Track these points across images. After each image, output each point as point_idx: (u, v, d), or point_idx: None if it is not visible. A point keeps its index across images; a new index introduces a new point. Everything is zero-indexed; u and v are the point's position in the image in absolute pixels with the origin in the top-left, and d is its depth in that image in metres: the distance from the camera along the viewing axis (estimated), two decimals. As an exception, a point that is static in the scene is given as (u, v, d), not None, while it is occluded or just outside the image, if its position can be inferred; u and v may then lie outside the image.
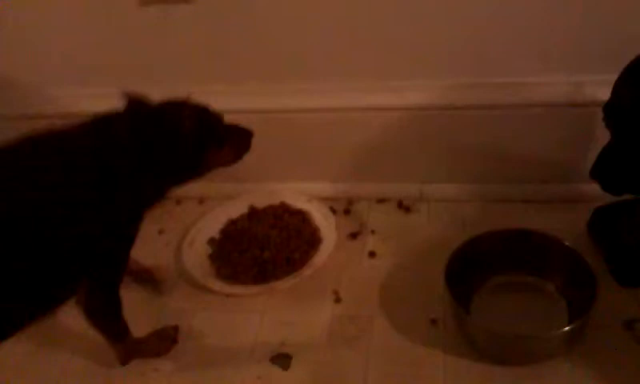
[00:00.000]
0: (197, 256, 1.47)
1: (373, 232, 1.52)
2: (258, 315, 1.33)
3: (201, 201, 1.68)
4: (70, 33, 1.55)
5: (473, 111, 1.45)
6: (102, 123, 1.12)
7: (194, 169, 1.20)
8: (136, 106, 1.14)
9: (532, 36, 1.35)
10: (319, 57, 1.48)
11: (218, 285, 1.39)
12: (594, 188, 1.32)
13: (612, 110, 1.07)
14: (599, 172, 1.12)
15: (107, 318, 1.21)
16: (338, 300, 1.34)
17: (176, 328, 1.31)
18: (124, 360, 1.27)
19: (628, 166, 1.05)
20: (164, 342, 1.30)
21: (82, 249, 1.08)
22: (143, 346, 1.28)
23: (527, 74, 1.39)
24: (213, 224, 1.56)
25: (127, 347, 1.26)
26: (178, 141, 1.13)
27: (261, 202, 1.61)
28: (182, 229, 1.57)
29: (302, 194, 1.61)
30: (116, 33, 1.52)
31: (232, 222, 1.57)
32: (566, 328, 1.09)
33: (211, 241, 1.53)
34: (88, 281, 1.14)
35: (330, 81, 1.50)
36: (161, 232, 1.58)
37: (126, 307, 1.20)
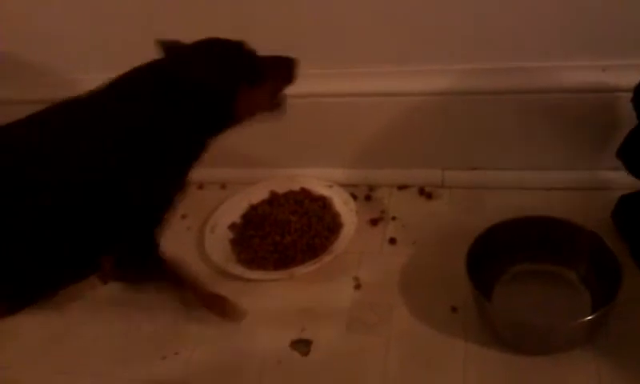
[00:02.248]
0: (218, 241, 1.48)
1: (394, 218, 1.52)
2: (279, 300, 1.34)
3: (223, 186, 1.69)
4: (92, 17, 1.55)
5: (494, 96, 1.43)
6: (125, 83, 1.12)
7: (225, 118, 1.15)
8: (159, 61, 1.12)
9: (557, 20, 1.32)
10: (340, 41, 1.47)
11: (238, 270, 1.40)
12: (618, 175, 1.30)
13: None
14: (626, 153, 1.10)
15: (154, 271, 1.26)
16: (358, 286, 1.35)
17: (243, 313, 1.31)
18: (203, 297, 1.29)
19: None
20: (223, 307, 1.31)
21: (118, 212, 1.10)
22: (198, 295, 1.30)
23: (551, 59, 1.37)
24: (234, 209, 1.57)
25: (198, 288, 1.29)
26: (194, 92, 1.09)
27: (282, 188, 1.61)
28: (204, 214, 1.58)
29: (323, 179, 1.61)
30: (139, 16, 1.51)
31: (253, 208, 1.57)
32: (589, 317, 1.07)
33: (232, 226, 1.54)
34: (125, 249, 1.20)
35: (351, 66, 1.48)
36: (183, 217, 1.59)
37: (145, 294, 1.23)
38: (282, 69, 1.18)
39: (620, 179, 1.36)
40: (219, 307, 1.30)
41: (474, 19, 1.36)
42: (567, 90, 1.39)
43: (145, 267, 1.26)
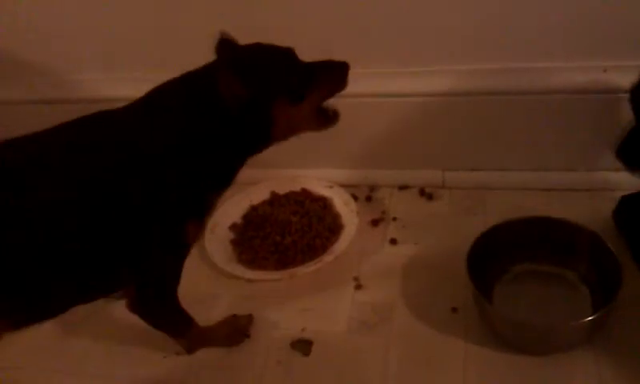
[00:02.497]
0: (219, 241, 1.48)
1: (394, 219, 1.52)
2: (279, 301, 1.34)
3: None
4: (93, 17, 1.55)
5: (495, 97, 1.43)
6: (152, 100, 1.01)
7: (258, 139, 1.02)
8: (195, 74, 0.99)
9: (557, 21, 1.32)
10: (341, 42, 1.46)
11: (239, 270, 1.40)
12: (619, 176, 1.31)
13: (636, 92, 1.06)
14: (625, 152, 1.10)
15: (162, 316, 1.15)
16: (358, 287, 1.35)
17: (250, 319, 1.28)
18: (189, 351, 1.23)
19: None
20: (235, 333, 1.25)
21: (133, 238, 1.00)
22: (211, 336, 1.23)
23: (552, 60, 1.37)
24: (235, 209, 1.57)
25: (192, 338, 1.21)
26: (218, 112, 0.96)
27: (282, 188, 1.61)
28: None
29: (324, 180, 1.61)
30: (140, 16, 1.52)
31: (254, 208, 1.58)
32: (589, 318, 1.07)
33: (233, 226, 1.54)
34: (138, 280, 1.08)
35: (352, 66, 1.48)
36: (184, 217, 1.59)
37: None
38: (332, 77, 1.07)
39: (621, 180, 1.36)
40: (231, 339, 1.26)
41: (475, 20, 1.36)
42: (568, 90, 1.39)
43: (157, 311, 1.15)
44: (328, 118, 1.11)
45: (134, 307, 1.13)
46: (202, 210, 1.07)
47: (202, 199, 1.05)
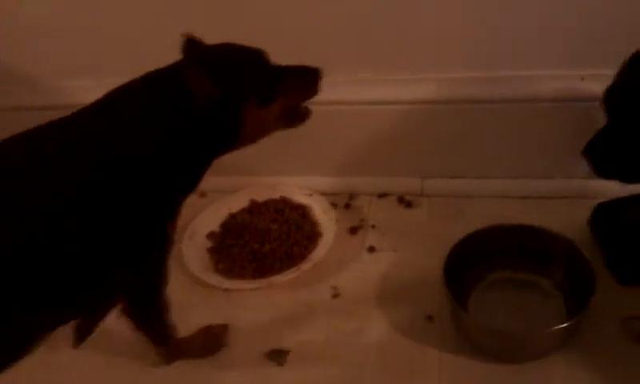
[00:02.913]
0: (196, 249, 1.47)
1: (373, 227, 1.52)
2: (255, 310, 1.33)
3: (202, 194, 1.67)
4: (78, 23, 1.54)
5: (473, 105, 1.44)
6: (115, 98, 0.98)
7: (228, 139, 1.01)
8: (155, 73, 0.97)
9: (536, 31, 1.34)
10: (320, 49, 1.46)
11: (216, 279, 1.39)
12: (595, 184, 1.31)
13: (614, 93, 1.06)
14: (592, 150, 1.11)
15: (149, 323, 1.15)
16: (336, 295, 1.34)
17: (225, 328, 1.27)
18: (168, 361, 1.22)
19: (620, 151, 1.04)
20: (211, 344, 1.24)
21: (110, 252, 0.97)
22: (188, 347, 1.22)
23: (530, 69, 1.38)
24: (213, 217, 1.56)
25: (172, 348, 1.20)
26: (188, 110, 0.95)
27: (261, 196, 1.60)
28: (182, 222, 1.53)
29: (303, 188, 1.60)
30: (126, 22, 1.51)
31: (232, 216, 1.57)
32: (563, 325, 1.08)
33: (211, 234, 1.53)
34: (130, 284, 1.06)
35: (331, 74, 1.47)
36: (161, 225, 1.58)
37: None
38: (303, 82, 1.06)
39: (597, 187, 1.36)
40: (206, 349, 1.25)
41: (454, 29, 1.37)
42: (546, 99, 1.40)
43: (144, 315, 1.14)
44: (298, 116, 1.10)
45: (126, 310, 1.11)
46: (174, 211, 1.05)
47: (174, 199, 1.03)
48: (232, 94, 0.97)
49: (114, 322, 1.18)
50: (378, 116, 1.52)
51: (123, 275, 1.03)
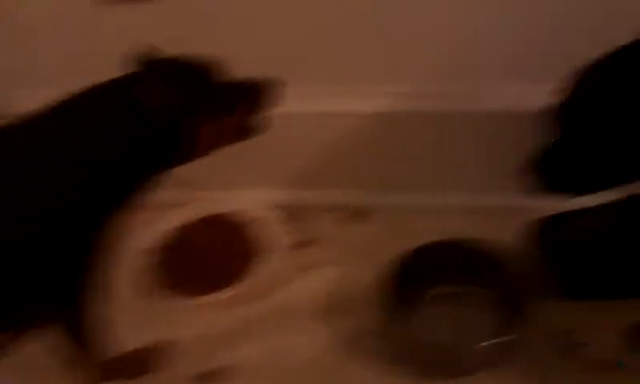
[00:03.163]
0: (133, 266, 1.44)
1: (318, 241, 1.51)
2: (197, 327, 1.30)
3: (145, 208, 1.63)
4: (26, 33, 1.51)
5: (421, 120, 1.45)
6: (65, 107, 0.98)
7: (177, 154, 1.01)
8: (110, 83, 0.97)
9: (480, 47, 1.36)
10: (271, 60, 1.45)
11: (157, 296, 1.36)
12: (534, 199, 1.32)
13: (568, 108, 1.08)
14: (543, 167, 1.12)
15: (75, 340, 1.10)
16: (276, 311, 1.32)
17: (154, 350, 1.24)
18: (97, 382, 1.17)
19: (574, 165, 1.06)
20: (142, 364, 1.21)
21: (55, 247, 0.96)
22: (116, 368, 1.19)
23: (474, 84, 1.40)
24: (151, 233, 1.52)
25: (100, 368, 1.16)
26: (138, 122, 0.95)
27: (206, 211, 1.58)
28: (123, 237, 1.52)
29: (249, 201, 1.58)
30: (75, 32, 1.49)
31: (175, 231, 1.54)
32: (498, 339, 1.09)
33: (153, 250, 1.49)
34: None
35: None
36: (100, 240, 1.53)
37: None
38: (257, 96, 1.06)
39: (535, 203, 1.38)
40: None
41: (407, 44, 1.39)
42: (490, 113, 1.41)
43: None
44: (251, 130, 1.09)
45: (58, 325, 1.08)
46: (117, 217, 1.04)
47: (118, 208, 1.03)
48: (187, 105, 0.97)
49: (38, 344, 1.13)
50: (325, 129, 1.52)
51: (47, 286, 1.00)
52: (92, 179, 0.96)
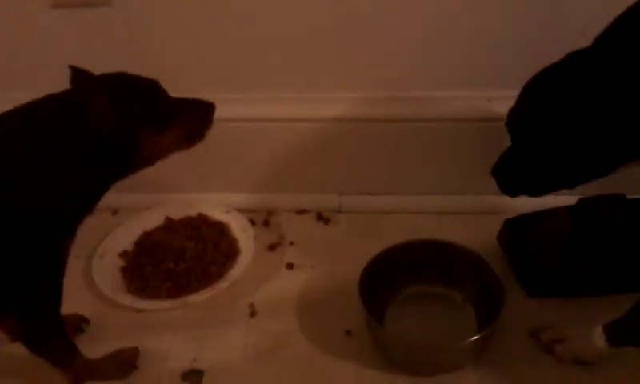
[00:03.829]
0: (107, 269, 1.42)
1: (292, 244, 1.51)
2: (170, 330, 1.29)
3: (114, 212, 1.62)
4: None
5: (388, 124, 1.47)
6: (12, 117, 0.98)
7: (125, 164, 1.03)
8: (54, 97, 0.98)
9: (445, 54, 1.39)
10: (237, 66, 1.46)
11: (128, 299, 1.34)
12: (503, 200, 1.36)
13: (514, 116, 1.12)
14: (499, 171, 1.16)
15: (42, 344, 1.09)
16: (253, 313, 1.32)
17: (136, 351, 1.22)
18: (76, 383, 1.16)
19: (524, 170, 1.09)
20: (121, 366, 1.20)
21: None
22: (97, 370, 1.17)
23: (440, 90, 1.43)
24: (126, 236, 1.51)
25: (77, 370, 1.15)
26: (85, 135, 0.96)
27: (177, 213, 1.57)
28: (93, 241, 1.50)
29: (221, 204, 1.58)
30: (28, 35, 1.46)
31: (146, 234, 1.52)
32: (474, 337, 1.11)
33: (124, 253, 1.47)
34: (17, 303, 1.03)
35: (248, 90, 1.48)
36: (70, 244, 1.50)
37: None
38: (197, 114, 1.11)
39: (505, 204, 1.42)
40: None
41: (370, 50, 1.40)
42: (456, 119, 1.45)
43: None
44: (193, 141, 1.13)
45: (17, 332, 1.08)
46: (69, 230, 1.05)
47: (69, 221, 1.03)
48: (130, 121, 0.99)
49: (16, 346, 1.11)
50: (295, 133, 1.53)
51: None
52: (41, 188, 0.97)
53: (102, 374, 1.19)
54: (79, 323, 1.29)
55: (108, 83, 0.98)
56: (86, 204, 1.05)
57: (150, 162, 1.07)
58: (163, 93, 1.06)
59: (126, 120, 0.98)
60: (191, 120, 1.10)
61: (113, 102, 0.96)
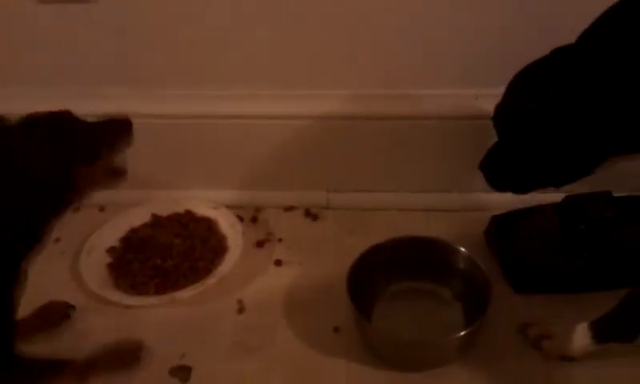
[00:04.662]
0: (95, 265, 1.41)
1: (280, 240, 1.51)
2: (158, 327, 1.28)
3: (101, 208, 1.61)
4: None
5: (376, 122, 1.48)
6: None
7: (61, 203, 1.01)
8: None
9: (433, 52, 1.40)
10: (226, 63, 1.46)
11: (116, 296, 1.33)
12: (491, 197, 1.38)
13: (500, 112, 1.13)
14: (486, 166, 1.17)
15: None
16: (241, 310, 1.32)
17: (139, 344, 1.22)
18: (81, 382, 1.13)
19: (511, 165, 1.10)
20: (124, 359, 1.19)
21: None
22: (98, 365, 1.16)
23: (428, 87, 1.44)
24: (113, 232, 1.50)
25: (75, 371, 1.13)
26: (20, 182, 0.94)
27: (165, 210, 1.56)
28: (81, 237, 1.49)
29: (209, 201, 1.57)
30: (15, 31, 1.44)
31: (134, 230, 1.51)
32: (461, 333, 1.12)
33: (111, 250, 1.47)
34: None
35: (236, 88, 1.48)
36: (57, 240, 1.48)
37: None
38: (119, 133, 1.08)
39: (492, 201, 1.43)
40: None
41: (357, 47, 1.41)
42: (443, 116, 1.46)
43: None
44: (118, 174, 1.11)
45: None
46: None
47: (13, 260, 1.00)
48: (62, 158, 0.98)
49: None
50: (284, 130, 1.52)
51: None
52: None
53: (104, 368, 1.17)
54: (65, 310, 1.29)
55: (33, 125, 0.97)
56: (27, 244, 1.01)
57: (84, 194, 1.04)
58: (84, 122, 1.04)
59: (58, 157, 0.97)
60: (115, 141, 1.07)
61: (40, 143, 0.95)
